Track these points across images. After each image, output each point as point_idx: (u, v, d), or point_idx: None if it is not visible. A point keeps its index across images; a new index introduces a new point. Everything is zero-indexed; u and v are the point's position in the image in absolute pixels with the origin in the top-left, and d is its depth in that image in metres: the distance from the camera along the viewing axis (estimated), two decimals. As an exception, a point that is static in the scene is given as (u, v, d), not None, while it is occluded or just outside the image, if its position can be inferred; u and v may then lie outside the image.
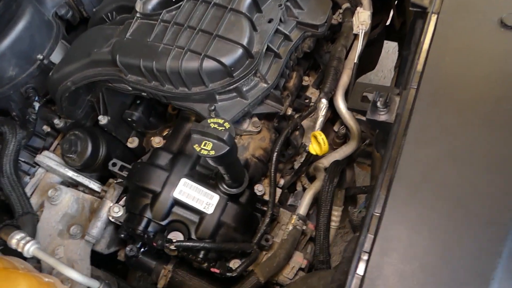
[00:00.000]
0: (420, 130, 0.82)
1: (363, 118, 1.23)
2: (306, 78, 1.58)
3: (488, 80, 0.86)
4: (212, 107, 1.12)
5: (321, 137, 1.27)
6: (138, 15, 1.20)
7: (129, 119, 1.41)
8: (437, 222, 0.74)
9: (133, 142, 1.45)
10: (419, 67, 0.90)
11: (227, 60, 1.10)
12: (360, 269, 0.72)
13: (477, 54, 0.90)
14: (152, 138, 1.41)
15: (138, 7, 1.22)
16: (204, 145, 1.00)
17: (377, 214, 0.76)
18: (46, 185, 1.51)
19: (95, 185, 1.47)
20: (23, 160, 1.49)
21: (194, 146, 1.01)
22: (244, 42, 1.12)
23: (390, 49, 3.15)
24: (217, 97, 1.17)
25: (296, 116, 1.55)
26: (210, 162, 1.05)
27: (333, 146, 1.66)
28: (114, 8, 1.35)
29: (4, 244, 1.22)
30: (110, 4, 1.36)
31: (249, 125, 1.32)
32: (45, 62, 1.39)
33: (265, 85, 1.22)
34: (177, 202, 1.21)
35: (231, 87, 1.15)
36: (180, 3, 1.18)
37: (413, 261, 0.70)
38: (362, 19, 1.47)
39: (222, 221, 1.21)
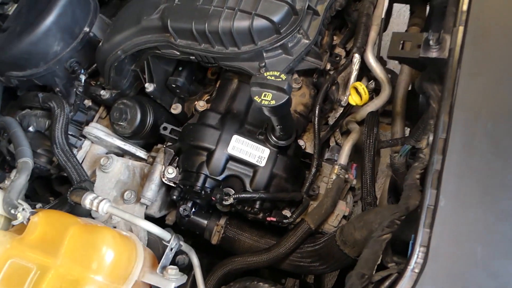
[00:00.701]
0: (473, 62, 0.90)
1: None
2: (334, 37, 1.65)
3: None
4: (263, 63, 1.19)
5: (362, 87, 1.35)
6: (184, -18, 1.26)
7: (173, 85, 1.48)
8: (496, 141, 0.83)
9: (176, 108, 1.52)
10: (464, 6, 0.97)
11: (276, 17, 1.17)
12: (434, 184, 0.81)
13: None
14: (196, 102, 1.48)
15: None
16: (264, 96, 1.07)
17: (443, 138, 0.84)
18: (93, 156, 1.59)
19: (141, 153, 1.54)
20: (70, 133, 1.55)
21: (255, 98, 1.08)
22: (289, 0, 1.19)
23: (395, 13, 3.22)
24: (265, 54, 1.24)
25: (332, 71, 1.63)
26: (267, 113, 1.13)
27: (362, 102, 1.73)
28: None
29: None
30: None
31: (291, 82, 1.39)
32: (90, 35, 1.45)
33: (307, 41, 1.29)
34: (231, 158, 1.29)
35: (279, 43, 1.22)
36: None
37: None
38: (386, -23, 1.53)
39: (274, 172, 1.29)
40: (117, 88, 1.49)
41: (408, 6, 1.94)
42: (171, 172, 1.38)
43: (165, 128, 1.41)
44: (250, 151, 1.29)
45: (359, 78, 1.72)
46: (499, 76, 0.87)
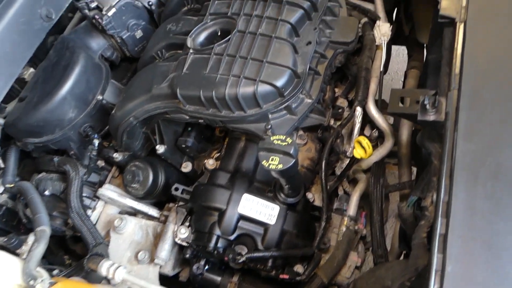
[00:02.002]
0: (468, 124, 0.94)
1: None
2: (336, 89, 1.71)
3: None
4: (269, 126, 1.25)
5: (365, 141, 1.39)
6: (191, 50, 1.34)
7: (183, 146, 1.53)
8: (498, 198, 0.86)
9: (187, 167, 1.57)
10: (457, 70, 1.03)
11: (279, 82, 1.24)
12: (440, 248, 0.83)
13: (507, 54, 1.03)
14: (205, 160, 1.53)
15: (189, 43, 1.36)
16: (272, 160, 1.12)
17: (445, 201, 0.88)
18: (107, 216, 1.63)
19: (154, 211, 1.58)
20: (84, 195, 1.60)
21: (263, 162, 1.13)
22: (291, 64, 1.26)
23: (393, 53, 3.33)
24: (270, 116, 1.30)
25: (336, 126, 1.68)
26: (275, 175, 1.17)
27: (366, 150, 1.77)
28: (163, 46, 1.49)
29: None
30: (159, 43, 1.50)
31: (296, 138, 1.44)
32: (103, 102, 1.52)
33: (310, 100, 1.35)
34: (242, 217, 1.32)
35: (283, 106, 1.28)
36: (228, 37, 1.32)
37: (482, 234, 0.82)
38: (383, 31, 1.61)
39: (285, 229, 1.32)
40: (129, 150, 1.55)
41: (405, 46, 2.02)
42: (184, 232, 1.41)
43: (176, 189, 1.45)
44: (260, 209, 1.33)
45: (363, 126, 1.78)
46: (494, 136, 0.91)
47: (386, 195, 1.97)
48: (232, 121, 1.32)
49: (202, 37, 1.39)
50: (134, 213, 1.62)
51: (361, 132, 1.75)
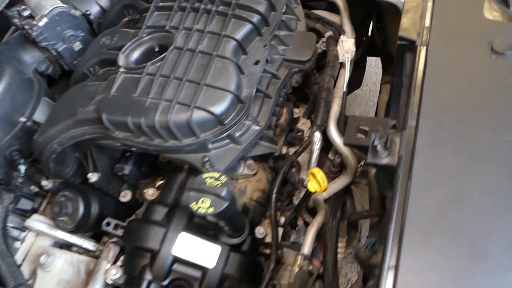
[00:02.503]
0: (424, 173, 0.79)
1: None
2: (296, 110, 1.56)
3: (485, 111, 0.84)
4: (206, 159, 1.09)
5: (319, 174, 1.23)
6: (121, 69, 1.17)
7: (120, 174, 1.36)
8: (453, 268, 0.71)
9: (125, 196, 1.40)
10: (415, 102, 0.88)
11: (217, 109, 1.07)
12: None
13: (471, 85, 0.88)
14: (145, 190, 1.36)
15: (121, 60, 1.19)
16: (202, 203, 0.96)
17: (392, 265, 0.72)
18: (38, 249, 1.45)
19: (89, 244, 1.41)
20: (12, 225, 1.43)
21: (191, 205, 0.97)
22: (233, 88, 1.10)
23: (372, 63, 3.19)
24: (210, 146, 1.14)
25: (291, 152, 1.53)
26: (209, 218, 1.01)
27: (329, 175, 1.63)
28: (96, 62, 1.32)
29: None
30: (91, 59, 1.33)
31: (244, 168, 1.28)
32: (28, 124, 1.35)
33: (258, 127, 1.19)
34: (177, 260, 1.15)
35: (224, 135, 1.11)
36: (164, 54, 1.15)
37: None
38: (347, 47, 1.46)
39: (226, 273, 1.16)
40: (60, 177, 1.38)
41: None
42: (114, 273, 1.24)
43: (108, 224, 1.28)
44: (199, 250, 1.16)
45: (327, 150, 1.63)
46: (453, 190, 0.76)
47: (355, 223, 1.83)
48: (166, 150, 1.15)
49: (137, 53, 1.22)
50: (70, 244, 1.45)
51: (325, 156, 1.61)
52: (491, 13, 0.97)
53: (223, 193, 0.94)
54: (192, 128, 1.07)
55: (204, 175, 0.99)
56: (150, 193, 1.35)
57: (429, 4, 0.99)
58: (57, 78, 1.61)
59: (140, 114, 1.09)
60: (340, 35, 1.55)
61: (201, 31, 1.18)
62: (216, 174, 0.99)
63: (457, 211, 0.74)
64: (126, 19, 1.45)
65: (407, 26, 0.97)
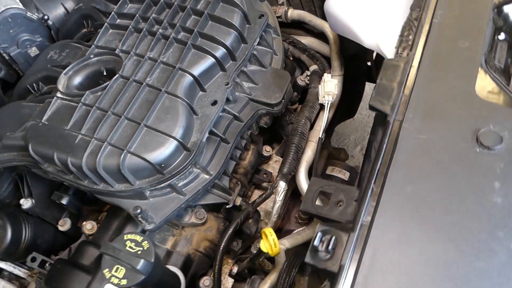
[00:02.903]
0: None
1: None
2: (267, 148, 1.41)
3: (456, 224, 0.69)
4: (138, 210, 0.94)
5: (272, 237, 1.08)
6: (58, 94, 1.02)
7: (58, 202, 1.22)
8: None
9: (64, 225, 1.26)
10: (375, 192, 0.72)
11: (156, 157, 0.92)
12: None
13: (445, 184, 0.72)
14: (84, 223, 1.22)
15: (61, 83, 1.04)
16: (116, 271, 0.82)
17: None
18: (-34, 271, 1.32)
19: (20, 271, 1.28)
20: None
21: (104, 271, 0.82)
22: (178, 134, 0.94)
23: (373, 86, 3.01)
24: (148, 193, 0.99)
25: (255, 195, 1.38)
26: (129, 283, 0.86)
27: (298, 220, 1.49)
28: (40, 78, 1.17)
29: None
30: (36, 73, 1.18)
31: (192, 217, 1.13)
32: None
33: (207, 176, 1.04)
34: (98, 316, 1.01)
35: (163, 185, 0.97)
36: (107, 83, 1.00)
37: None
38: (328, 88, 1.30)
39: (153, 336, 1.02)
40: (-8, 197, 1.24)
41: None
42: (34, 316, 1.11)
43: (33, 259, 1.14)
44: (124, 307, 1.02)
45: (298, 196, 1.48)
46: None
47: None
48: (97, 193, 1.01)
49: (81, 76, 1.07)
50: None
51: (297, 200, 1.46)
52: (485, 89, 0.81)
53: (139, 266, 0.79)
54: (125, 175, 0.93)
55: (125, 237, 0.85)
56: (88, 227, 1.21)
57: (413, 70, 0.83)
58: (12, 82, 1.46)
59: (68, 152, 0.94)
60: (325, 71, 1.39)
61: (154, 60, 1.03)
62: (139, 238, 0.84)
63: None
64: (84, 30, 1.30)
65: (381, 93, 0.81)
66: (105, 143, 0.92)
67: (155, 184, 0.96)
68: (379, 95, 0.81)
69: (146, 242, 0.83)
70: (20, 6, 1.31)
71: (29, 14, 1.31)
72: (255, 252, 1.31)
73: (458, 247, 0.65)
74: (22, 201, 1.20)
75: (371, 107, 0.80)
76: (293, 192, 1.41)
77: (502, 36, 0.94)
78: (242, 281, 1.33)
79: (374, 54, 1.78)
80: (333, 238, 0.68)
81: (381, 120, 0.82)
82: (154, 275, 0.85)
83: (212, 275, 1.23)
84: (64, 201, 1.22)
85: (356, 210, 0.86)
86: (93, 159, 0.92)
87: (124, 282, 0.81)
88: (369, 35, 1.01)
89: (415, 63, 0.86)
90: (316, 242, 0.68)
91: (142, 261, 0.80)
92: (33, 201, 1.20)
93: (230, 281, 1.27)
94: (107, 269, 0.82)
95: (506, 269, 0.62)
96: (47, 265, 1.17)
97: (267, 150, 1.40)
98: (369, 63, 1.77)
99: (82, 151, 0.93)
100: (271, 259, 1.39)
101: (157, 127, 0.94)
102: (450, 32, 0.88)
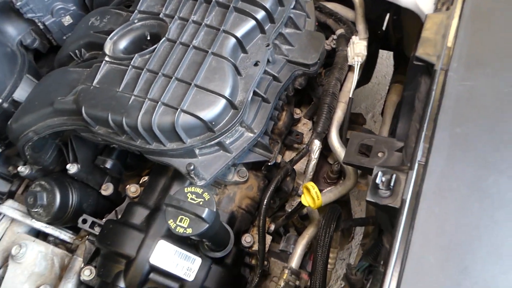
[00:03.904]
0: (429, 222, 0.70)
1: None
2: (297, 110, 1.45)
3: (507, 155, 0.74)
4: (191, 167, 0.99)
5: (315, 190, 1.14)
6: (107, 58, 1.06)
7: (102, 166, 1.27)
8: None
9: (107, 189, 1.31)
10: (427, 136, 0.77)
11: (207, 115, 0.97)
12: None
13: (492, 125, 0.77)
14: (128, 186, 1.27)
15: (108, 48, 1.08)
16: (180, 221, 0.87)
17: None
18: (12, 235, 1.37)
19: (66, 236, 1.34)
20: (-15, 208, 1.34)
21: (169, 222, 0.88)
22: (227, 93, 0.99)
23: (384, 54, 3.02)
24: (197, 151, 1.04)
25: (288, 155, 1.43)
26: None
27: (327, 180, 1.54)
28: (82, 44, 1.20)
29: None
30: (77, 40, 1.21)
31: (234, 175, 1.19)
32: (5, 106, 1.25)
33: (251, 134, 1.09)
34: (154, 269, 1.08)
35: (213, 142, 1.02)
36: (154, 46, 1.04)
37: None
38: (357, 50, 1.34)
39: (206, 287, 1.08)
40: (38, 164, 1.28)
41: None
42: (88, 275, 1.17)
43: (84, 221, 1.20)
44: (177, 260, 1.08)
45: (326, 155, 1.53)
46: (457, 245, 0.67)
47: (349, 229, 1.76)
48: (149, 152, 1.05)
49: (126, 40, 1.10)
50: (46, 234, 1.37)
51: (325, 160, 1.51)
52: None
53: (204, 214, 0.85)
54: (178, 133, 0.97)
55: (186, 189, 0.90)
56: (133, 190, 1.27)
57: (454, 22, 0.87)
58: (44, 52, 1.50)
59: (122, 112, 0.98)
60: (352, 34, 1.43)
61: (198, 23, 1.06)
62: (199, 190, 0.89)
63: (460, 269, 0.65)
64: (119, -2, 1.33)
65: (426, 45, 0.85)
66: (159, 102, 0.97)
67: (205, 142, 1.01)
68: (424, 47, 0.85)
69: (206, 193, 0.88)
70: (53, -26, 1.33)
71: (63, -18, 1.33)
72: (290, 210, 1.38)
73: (509, 177, 0.71)
74: (68, 166, 1.25)
75: (418, 58, 0.84)
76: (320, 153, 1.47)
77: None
78: (279, 237, 1.40)
79: (386, 21, 1.81)
80: (394, 176, 0.73)
81: (425, 70, 0.87)
82: (215, 225, 0.90)
83: (252, 232, 1.30)
84: (108, 165, 1.26)
85: (401, 159, 0.91)
86: (148, 118, 0.97)
87: (189, 230, 0.86)
88: (406, -7, 1.05)
89: (456, 16, 0.90)
90: (378, 180, 0.73)
91: (206, 209, 0.85)
92: (79, 166, 1.25)
93: (268, 238, 1.33)
94: (171, 220, 0.88)
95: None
96: (95, 227, 1.23)
97: (297, 112, 1.44)
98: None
99: (136, 111, 0.98)
100: (304, 218, 1.45)
101: (207, 87, 0.99)
102: (488, -14, 0.92)
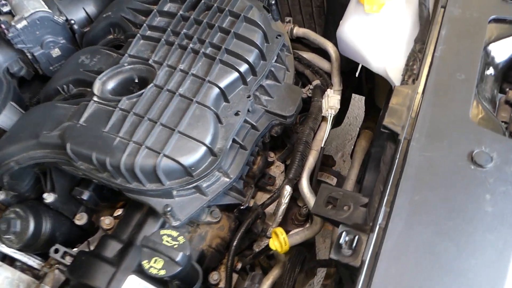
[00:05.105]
0: (386, 281, 0.77)
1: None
2: (271, 154, 1.53)
3: (457, 223, 0.83)
4: (168, 208, 1.04)
5: (283, 236, 1.21)
6: (95, 98, 1.11)
7: (79, 197, 1.30)
8: None
9: (81, 219, 1.34)
10: (389, 200, 0.86)
11: (188, 160, 1.03)
12: None
13: (446, 194, 0.86)
14: (102, 218, 1.30)
15: (96, 88, 1.13)
16: (154, 262, 0.92)
17: None
18: (-19, 258, 1.37)
19: (34, 262, 1.34)
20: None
21: (143, 263, 0.92)
22: (207, 140, 1.05)
23: (356, 97, 3.17)
24: (175, 193, 1.09)
25: (260, 198, 1.49)
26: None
27: (295, 222, 1.61)
28: (71, 80, 1.25)
29: None
30: (66, 76, 1.25)
31: (207, 215, 1.24)
32: (-12, 129, 1.27)
33: (228, 179, 1.15)
34: (123, 303, 1.10)
35: (190, 186, 1.07)
36: (142, 91, 1.10)
37: None
38: (331, 103, 1.44)
39: (173, 324, 1.12)
40: (14, 190, 1.30)
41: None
42: (54, 305, 1.18)
43: (56, 251, 1.22)
44: (146, 296, 1.11)
45: (294, 199, 1.60)
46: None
47: (313, 269, 1.81)
48: (128, 190, 1.10)
49: (114, 82, 1.16)
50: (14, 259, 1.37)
51: (294, 202, 1.59)
52: (477, 116, 0.96)
53: (178, 258, 0.90)
54: (158, 175, 1.03)
55: (162, 232, 0.95)
56: (107, 222, 1.30)
57: (418, 97, 0.97)
58: (29, 79, 1.53)
59: (107, 152, 1.03)
60: (327, 86, 1.53)
61: (185, 72, 1.14)
62: (175, 233, 0.94)
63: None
64: (110, 36, 1.38)
65: (393, 115, 0.95)
66: (143, 146, 1.02)
67: (184, 185, 1.06)
68: (390, 117, 0.95)
69: (181, 237, 0.94)
70: (47, 9, 1.37)
71: (55, 17, 1.38)
72: (257, 250, 1.43)
73: (457, 246, 0.79)
74: (45, 195, 1.27)
75: (384, 127, 0.94)
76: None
77: (490, 70, 1.11)
78: (245, 274, 1.44)
79: (359, 70, 1.93)
80: (356, 237, 0.81)
81: (391, 137, 0.96)
82: (187, 267, 0.95)
83: (220, 270, 1.34)
84: (84, 197, 1.29)
85: (365, 214, 0.99)
86: (131, 159, 1.02)
87: (163, 272, 0.91)
88: (378, 61, 1.16)
89: (420, 90, 1.01)
90: (341, 240, 0.80)
91: (181, 253, 0.90)
92: (56, 196, 1.28)
93: (235, 276, 1.38)
94: (146, 260, 0.92)
95: (496, 265, 0.77)
96: (67, 257, 1.25)
97: (271, 156, 1.52)
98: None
99: (120, 152, 1.02)
100: (270, 257, 1.51)
101: (190, 134, 1.05)
102: (449, 65, 1.03)
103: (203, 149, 1.05)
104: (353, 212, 1.04)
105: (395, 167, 0.89)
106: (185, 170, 1.04)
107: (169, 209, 1.04)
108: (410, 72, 1.07)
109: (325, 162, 1.86)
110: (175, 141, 1.04)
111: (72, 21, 1.40)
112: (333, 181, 1.76)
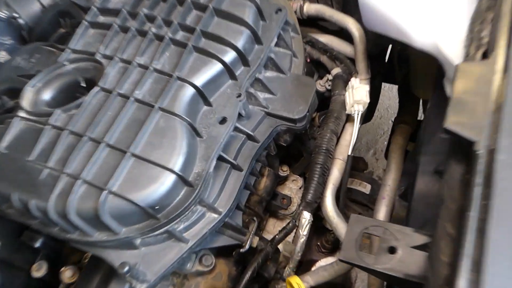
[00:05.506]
0: None
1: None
2: (284, 167, 1.18)
3: None
4: (125, 269, 0.70)
5: (298, 285, 0.85)
6: (21, 113, 0.79)
7: (30, 243, 0.99)
8: None
9: (39, 270, 1.02)
10: (474, 266, 0.49)
11: (146, 197, 0.69)
12: None
13: None
14: (63, 269, 0.98)
15: (26, 99, 0.81)
16: None
17: None
18: None
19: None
20: None
21: None
22: (176, 165, 0.71)
23: (386, 85, 2.77)
24: (138, 241, 0.76)
25: (273, 226, 1.15)
26: None
27: (321, 249, 1.27)
28: (3, 91, 0.92)
29: None
30: (-1, 84, 0.94)
31: (195, 263, 0.90)
32: None
33: (216, 215, 0.80)
34: None
35: (157, 232, 0.73)
36: (83, 97, 0.77)
37: None
38: (358, 96, 1.07)
39: None
40: None
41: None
42: None
43: (-2, 319, 0.91)
44: None
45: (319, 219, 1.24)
46: None
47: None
48: (73, 242, 0.77)
49: (52, 89, 0.83)
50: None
51: (320, 228, 1.23)
52: None
53: None
54: (105, 221, 0.69)
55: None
56: (68, 275, 0.98)
57: (497, 78, 0.59)
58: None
59: (30, 191, 0.71)
60: (351, 75, 1.16)
61: (144, 67, 0.79)
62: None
63: None
64: (61, 30, 1.06)
65: (459, 110, 0.58)
66: (79, 180, 0.69)
67: (146, 232, 0.72)
68: (457, 114, 0.57)
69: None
70: (-16, 3, 1.08)
71: (-1, 12, 1.07)
72: (272, 295, 1.08)
73: None
74: (-16, 244, 0.97)
75: (448, 132, 0.57)
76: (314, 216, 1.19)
77: None
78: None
79: (388, 53, 1.56)
80: None
81: (459, 147, 0.59)
82: None
83: (221, 329, 1.00)
84: (37, 244, 0.98)
85: (423, 262, 0.64)
86: (63, 201, 0.69)
87: None
88: (424, 33, 0.78)
89: (499, 67, 0.63)
90: None
91: None
92: (1, 242, 0.97)
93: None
94: None
95: None
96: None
97: (284, 169, 1.17)
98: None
99: (48, 190, 0.70)
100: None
101: (149, 157, 0.71)
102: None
103: (170, 177, 0.70)
104: (403, 259, 0.69)
105: (473, 198, 0.52)
106: (144, 212, 0.70)
107: (126, 269, 0.70)
108: (478, 42, 0.69)
109: (355, 166, 1.52)
110: (128, 169, 0.70)
111: (16, 15, 1.10)
112: (367, 188, 1.42)
